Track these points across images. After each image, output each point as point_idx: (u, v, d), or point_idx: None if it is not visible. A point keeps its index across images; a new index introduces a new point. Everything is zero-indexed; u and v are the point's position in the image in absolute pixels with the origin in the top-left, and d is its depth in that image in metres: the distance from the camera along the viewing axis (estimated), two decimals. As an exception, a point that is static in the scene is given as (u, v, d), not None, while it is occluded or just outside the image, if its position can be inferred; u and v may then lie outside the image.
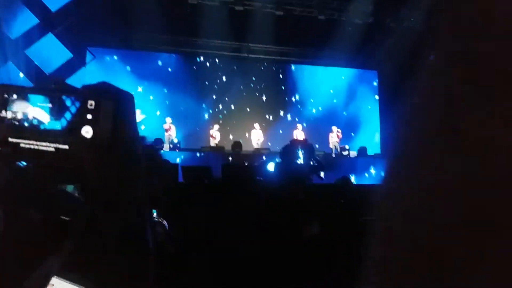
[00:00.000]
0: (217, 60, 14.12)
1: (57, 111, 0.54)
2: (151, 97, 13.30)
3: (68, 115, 0.54)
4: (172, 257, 2.33)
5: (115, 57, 13.19)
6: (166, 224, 2.50)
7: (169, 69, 13.90)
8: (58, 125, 0.54)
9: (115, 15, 11.60)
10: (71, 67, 11.41)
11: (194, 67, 14.12)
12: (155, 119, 12.86)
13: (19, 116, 0.54)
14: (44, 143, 0.54)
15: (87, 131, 0.53)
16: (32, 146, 0.54)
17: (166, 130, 12.04)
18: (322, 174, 5.63)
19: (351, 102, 15.35)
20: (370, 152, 12.82)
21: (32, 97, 0.55)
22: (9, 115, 0.54)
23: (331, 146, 12.95)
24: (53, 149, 0.54)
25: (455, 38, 0.22)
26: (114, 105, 0.54)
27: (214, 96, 14.12)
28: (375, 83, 15.45)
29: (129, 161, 0.57)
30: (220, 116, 13.85)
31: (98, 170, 0.54)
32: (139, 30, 12.41)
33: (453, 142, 0.20)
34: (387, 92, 13.75)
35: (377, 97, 15.33)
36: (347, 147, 12.77)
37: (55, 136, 0.54)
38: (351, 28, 13.53)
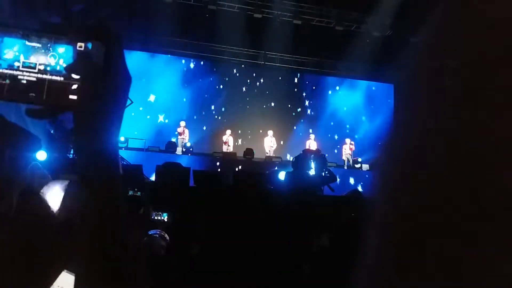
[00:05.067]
0: (234, 67, 14.21)
1: (44, 53, 0.52)
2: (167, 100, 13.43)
3: (56, 59, 0.52)
4: (178, 263, 2.33)
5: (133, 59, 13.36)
6: (168, 238, 2.48)
7: (185, 74, 14.02)
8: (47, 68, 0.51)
9: (134, 18, 11.77)
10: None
11: (210, 73, 14.22)
12: (173, 122, 13.01)
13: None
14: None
15: (74, 74, 0.52)
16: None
17: (180, 134, 12.08)
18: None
19: (366, 114, 15.27)
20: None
21: (16, 40, 0.51)
22: None
23: (343, 158, 12.89)
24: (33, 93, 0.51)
25: (458, 47, 0.22)
26: (103, 48, 0.52)
27: (228, 102, 14.18)
28: (391, 97, 15.35)
29: (115, 103, 0.55)
30: (234, 122, 13.89)
31: (82, 115, 0.52)
32: (157, 34, 12.57)
33: (452, 145, 0.20)
34: (403, 106, 13.60)
35: (392, 110, 15.17)
36: (359, 159, 12.69)
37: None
38: (368, 40, 13.50)
